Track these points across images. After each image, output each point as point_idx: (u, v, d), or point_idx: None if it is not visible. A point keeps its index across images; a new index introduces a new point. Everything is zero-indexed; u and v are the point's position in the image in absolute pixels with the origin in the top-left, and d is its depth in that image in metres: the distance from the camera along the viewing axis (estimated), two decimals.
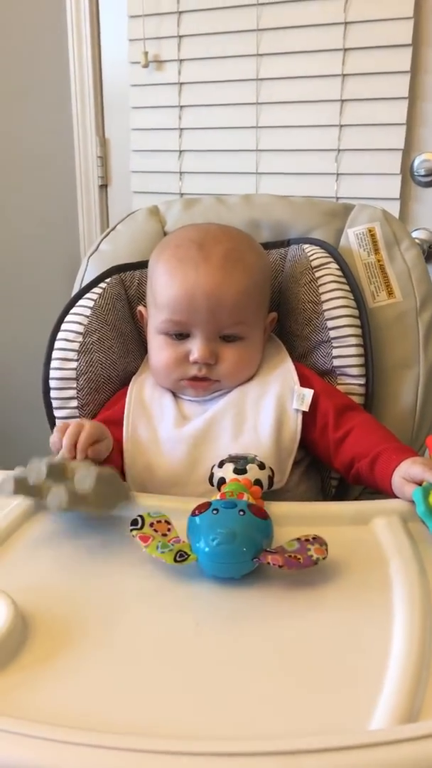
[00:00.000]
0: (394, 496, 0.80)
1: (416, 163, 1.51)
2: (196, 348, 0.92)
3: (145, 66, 1.69)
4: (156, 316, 0.95)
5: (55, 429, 0.84)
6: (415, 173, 1.51)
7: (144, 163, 1.79)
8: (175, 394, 0.97)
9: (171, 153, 1.74)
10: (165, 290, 0.93)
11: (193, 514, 0.70)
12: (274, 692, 0.54)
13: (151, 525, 0.70)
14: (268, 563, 0.64)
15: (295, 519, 0.76)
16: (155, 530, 0.70)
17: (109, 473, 0.75)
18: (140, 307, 1.03)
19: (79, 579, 0.69)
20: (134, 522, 0.71)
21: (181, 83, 1.68)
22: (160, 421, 0.94)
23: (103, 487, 0.72)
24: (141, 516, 0.71)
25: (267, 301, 1.00)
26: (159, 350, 0.95)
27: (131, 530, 0.70)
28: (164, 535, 0.70)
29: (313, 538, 0.68)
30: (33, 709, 0.52)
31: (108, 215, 1.92)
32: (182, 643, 0.59)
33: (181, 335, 0.93)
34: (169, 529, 0.71)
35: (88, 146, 1.86)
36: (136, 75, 1.73)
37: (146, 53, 1.68)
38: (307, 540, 0.68)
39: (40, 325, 1.48)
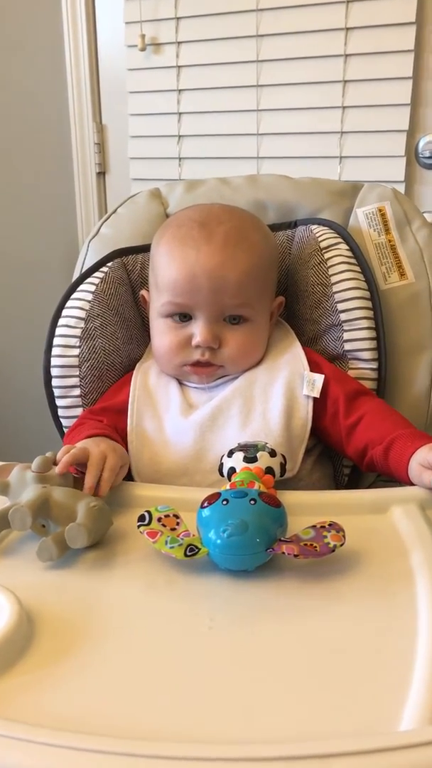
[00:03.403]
0: (410, 484, 0.78)
1: (421, 144, 1.49)
2: (198, 331, 0.89)
3: (143, 49, 1.66)
4: (157, 299, 0.93)
5: (71, 453, 0.75)
6: (420, 155, 1.49)
7: (142, 149, 1.76)
8: (180, 382, 0.94)
9: (170, 138, 1.71)
10: (166, 271, 0.90)
11: (202, 506, 0.67)
12: (296, 692, 0.51)
13: (159, 520, 0.68)
14: (283, 553, 0.62)
15: (310, 508, 0.73)
16: (163, 525, 0.68)
17: (96, 515, 0.69)
18: (143, 292, 1.01)
19: (85, 576, 0.66)
20: (141, 518, 0.68)
21: (180, 66, 1.65)
22: (165, 410, 0.91)
23: (94, 526, 0.68)
24: (148, 511, 0.69)
25: (273, 283, 0.97)
26: (161, 334, 0.92)
27: (138, 526, 0.67)
28: (173, 529, 0.68)
29: (329, 525, 0.66)
30: (39, 712, 0.49)
31: (106, 202, 1.89)
32: (196, 642, 0.57)
33: (183, 318, 0.91)
34: (177, 523, 0.68)
35: (84, 133, 1.83)
36: (133, 59, 1.70)
37: (143, 36, 1.65)
38: (323, 527, 0.66)
39: (36, 313, 1.46)
